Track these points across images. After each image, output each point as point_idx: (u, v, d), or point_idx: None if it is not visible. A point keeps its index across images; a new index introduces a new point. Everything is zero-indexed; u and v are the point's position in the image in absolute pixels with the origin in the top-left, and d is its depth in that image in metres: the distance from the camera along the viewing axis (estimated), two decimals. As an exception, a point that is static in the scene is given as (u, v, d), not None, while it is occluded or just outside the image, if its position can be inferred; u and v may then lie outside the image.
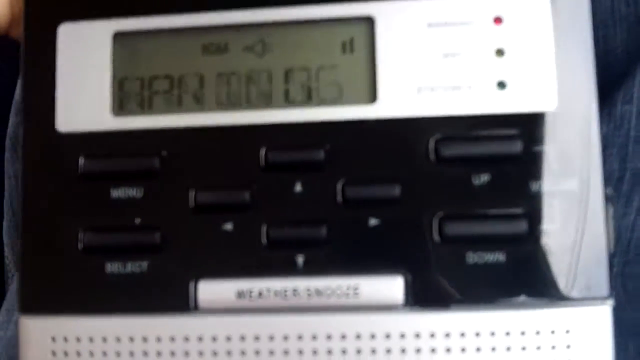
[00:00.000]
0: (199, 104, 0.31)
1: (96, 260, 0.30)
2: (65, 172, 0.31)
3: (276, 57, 0.30)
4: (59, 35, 0.31)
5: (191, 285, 0.29)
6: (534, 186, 0.28)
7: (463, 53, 0.29)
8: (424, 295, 0.28)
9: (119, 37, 0.31)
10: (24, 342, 0.30)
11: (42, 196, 0.31)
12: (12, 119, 0.46)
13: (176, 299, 0.29)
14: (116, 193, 0.30)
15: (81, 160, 0.30)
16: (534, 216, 0.28)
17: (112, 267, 0.30)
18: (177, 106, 0.31)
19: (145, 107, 0.31)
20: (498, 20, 0.29)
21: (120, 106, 0.31)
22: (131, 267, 0.30)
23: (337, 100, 0.30)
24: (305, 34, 0.30)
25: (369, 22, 0.30)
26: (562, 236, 0.28)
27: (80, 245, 0.30)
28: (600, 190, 0.28)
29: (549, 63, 0.29)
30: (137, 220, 0.30)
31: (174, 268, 0.30)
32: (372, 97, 0.30)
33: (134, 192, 0.30)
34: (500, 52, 0.29)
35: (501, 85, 0.29)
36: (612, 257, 0.28)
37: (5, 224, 0.47)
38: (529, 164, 0.28)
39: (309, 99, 0.30)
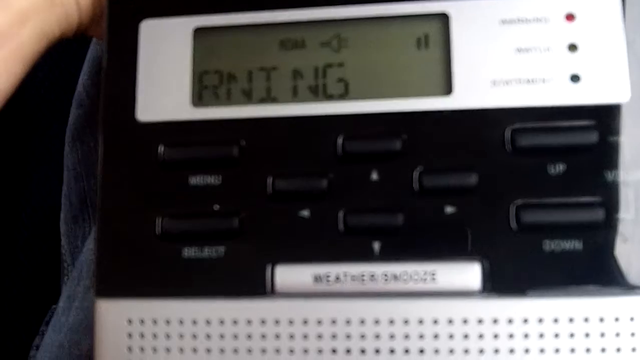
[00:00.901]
0: (277, 96, 0.31)
1: (173, 245, 0.30)
2: (144, 159, 0.31)
3: (352, 51, 0.31)
4: (141, 31, 0.33)
5: (268, 269, 0.30)
6: (609, 176, 0.29)
7: (536, 48, 0.30)
8: (501, 282, 0.29)
9: (200, 33, 0.32)
10: (100, 325, 0.30)
11: (121, 183, 0.31)
12: (74, 112, 0.47)
13: (253, 283, 0.30)
14: (195, 180, 0.31)
15: (160, 148, 0.31)
16: (610, 205, 0.29)
17: (189, 252, 0.30)
18: (255, 98, 0.32)
19: (224, 98, 0.32)
20: (570, 17, 0.30)
21: (199, 97, 0.32)
22: (208, 251, 0.30)
23: (413, 92, 0.31)
24: (381, 29, 0.31)
25: (443, 19, 0.31)
26: (637, 225, 0.28)
27: (158, 231, 0.31)
28: None
29: (620, 56, 0.30)
30: (215, 207, 0.31)
31: (251, 253, 0.30)
32: (448, 89, 0.30)
33: (212, 180, 0.31)
34: (573, 47, 0.30)
35: (575, 78, 0.30)
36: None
37: (62, 214, 0.48)
38: (603, 154, 0.29)
39: (385, 91, 0.31)
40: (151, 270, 0.31)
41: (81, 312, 0.41)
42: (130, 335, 0.30)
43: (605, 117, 0.29)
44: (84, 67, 0.47)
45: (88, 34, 0.36)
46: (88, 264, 0.41)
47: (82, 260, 0.42)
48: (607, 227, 0.29)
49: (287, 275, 0.30)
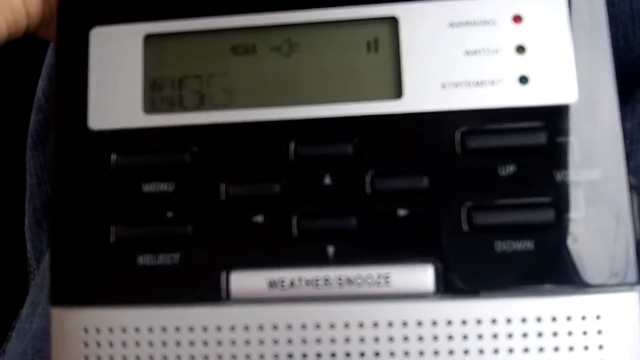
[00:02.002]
0: (229, 102, 0.31)
1: (128, 252, 0.30)
2: (97, 168, 0.31)
3: (303, 56, 0.32)
4: (92, 38, 0.33)
5: (223, 275, 0.30)
6: (558, 176, 0.29)
7: (484, 51, 0.30)
8: (454, 284, 0.29)
9: (150, 39, 0.32)
10: (56, 334, 0.30)
11: (74, 191, 0.31)
12: (34, 117, 0.47)
13: (208, 290, 0.30)
14: (148, 187, 0.31)
15: (113, 156, 0.31)
16: (560, 205, 0.29)
17: (143, 259, 0.30)
18: (207, 104, 0.32)
19: (176, 105, 0.32)
20: (517, 18, 0.30)
21: (151, 104, 0.32)
22: (163, 259, 0.30)
23: (364, 96, 0.31)
24: (331, 33, 0.32)
25: (393, 22, 0.31)
26: (588, 224, 0.29)
27: (112, 239, 0.31)
28: (624, 179, 0.29)
29: (568, 57, 0.30)
30: (169, 214, 0.31)
31: (205, 259, 0.30)
32: (398, 92, 0.31)
33: (165, 187, 0.31)
34: (521, 49, 0.30)
35: (523, 80, 0.30)
36: (639, 245, 0.29)
37: (26, 220, 0.48)
38: (553, 154, 0.29)
39: (335, 95, 0.31)
40: (106, 278, 0.30)
41: (44, 319, 0.41)
42: (86, 344, 0.30)
43: (554, 117, 0.30)
44: (43, 73, 0.47)
45: (38, 36, 0.36)
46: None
47: (46, 266, 0.42)
48: (558, 227, 0.29)
49: (242, 281, 0.30)
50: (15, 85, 0.54)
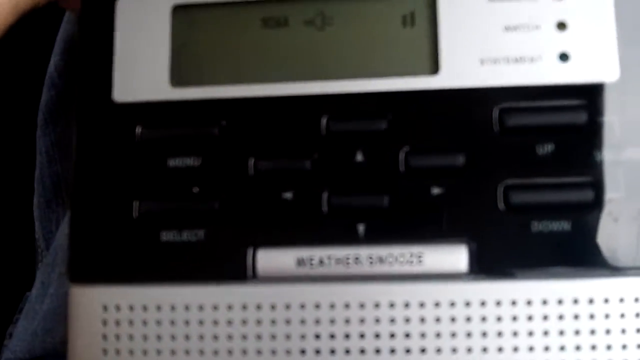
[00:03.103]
0: (259, 76, 0.30)
1: (151, 228, 0.29)
2: (121, 141, 0.30)
3: (336, 30, 0.31)
4: (118, 8, 0.31)
5: (249, 253, 0.29)
6: (598, 156, 0.28)
7: (524, 26, 0.30)
8: (488, 264, 0.28)
9: (179, 11, 0.31)
10: (74, 312, 0.29)
11: (96, 166, 0.30)
12: (45, 93, 0.46)
13: (234, 268, 0.29)
14: (174, 162, 0.30)
15: (138, 129, 0.30)
16: (598, 185, 0.28)
17: (167, 236, 0.29)
18: (236, 77, 0.31)
19: (204, 78, 0.31)
20: (559, -6, 0.30)
21: (178, 77, 0.31)
22: (187, 235, 0.29)
23: (399, 71, 0.30)
24: (366, 7, 0.31)
25: None
26: (627, 205, 0.28)
27: (135, 214, 0.30)
28: None
29: (609, 35, 0.29)
30: (195, 189, 0.30)
31: (231, 236, 0.29)
32: (435, 68, 0.30)
33: (191, 161, 0.30)
34: (562, 26, 0.29)
35: (563, 57, 0.29)
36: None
37: (35, 199, 0.47)
38: (592, 133, 0.29)
39: (370, 70, 0.30)
40: (128, 254, 0.29)
41: (55, 300, 0.40)
42: (105, 323, 0.29)
43: (594, 96, 0.29)
44: (56, 47, 0.46)
45: (60, 4, 0.35)
46: (63, 250, 0.40)
47: (57, 246, 0.41)
48: (596, 207, 0.28)
49: (269, 259, 0.29)
50: (25, 60, 0.53)
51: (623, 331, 0.27)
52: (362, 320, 0.28)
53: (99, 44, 0.31)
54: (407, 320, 0.28)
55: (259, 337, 0.28)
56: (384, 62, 0.30)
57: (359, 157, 0.29)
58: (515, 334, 0.28)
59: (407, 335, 0.28)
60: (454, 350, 0.28)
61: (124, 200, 0.30)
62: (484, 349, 0.28)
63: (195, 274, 0.29)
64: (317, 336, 0.28)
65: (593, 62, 0.29)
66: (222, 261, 0.29)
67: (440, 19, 0.30)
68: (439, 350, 0.28)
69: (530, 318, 0.28)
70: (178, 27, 0.31)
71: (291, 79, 0.30)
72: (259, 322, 0.28)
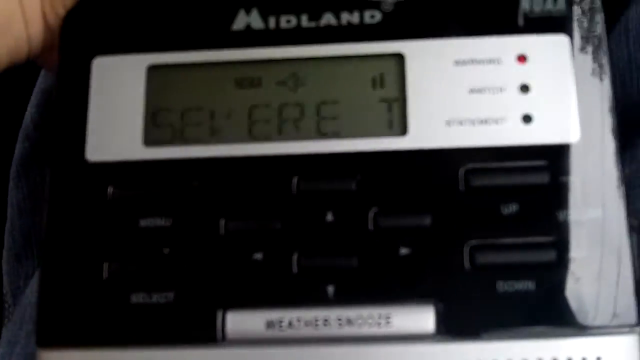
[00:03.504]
0: (231, 136, 0.31)
1: (121, 290, 0.29)
2: (93, 200, 0.30)
3: (309, 90, 0.31)
4: (94, 67, 0.32)
5: (219, 315, 0.29)
6: (561, 215, 0.29)
7: (489, 89, 0.30)
8: (455, 325, 0.28)
9: (153, 71, 0.32)
10: (42, 376, 0.29)
11: (67, 224, 0.30)
12: (19, 146, 0.45)
13: (203, 330, 0.29)
14: (145, 222, 0.30)
15: (110, 189, 0.30)
16: (562, 245, 0.29)
17: (137, 298, 0.29)
18: (209, 137, 0.31)
19: (177, 138, 0.31)
20: (522, 58, 0.30)
21: (151, 137, 0.31)
22: (157, 297, 0.29)
23: (368, 132, 0.30)
24: (337, 69, 0.31)
25: (399, 59, 0.31)
26: (589, 264, 0.28)
27: (104, 275, 0.30)
28: (624, 220, 0.29)
29: (570, 97, 0.30)
30: (165, 250, 0.30)
31: (201, 298, 0.29)
32: (403, 129, 0.30)
33: (162, 222, 0.30)
34: (525, 88, 0.30)
35: (527, 118, 0.30)
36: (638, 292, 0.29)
37: (5, 252, 0.46)
38: (555, 193, 0.29)
39: (340, 131, 0.31)
40: (98, 317, 0.29)
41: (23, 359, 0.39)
42: (74, 387, 0.29)
43: (556, 157, 0.29)
44: (32, 99, 0.46)
45: (37, 63, 0.35)
46: (31, 307, 0.40)
47: (25, 303, 0.41)
48: (559, 267, 0.28)
49: (238, 321, 0.29)
50: (0, 111, 0.53)
51: (588, 390, 0.28)
52: (331, 382, 0.28)
53: (74, 102, 0.32)
54: (376, 381, 0.28)
55: (229, 399, 0.28)
56: (354, 123, 0.31)
57: (329, 217, 0.30)
58: (482, 394, 0.28)
59: (377, 397, 0.28)
60: (423, 411, 0.28)
61: (94, 261, 0.30)
62: (452, 410, 0.28)
63: (165, 337, 0.29)
64: (288, 398, 0.28)
65: (555, 123, 0.30)
66: (192, 324, 0.29)
67: (409, 81, 0.31)
68: (408, 411, 0.28)
69: (496, 378, 0.28)
70: (153, 87, 0.32)
71: (263, 139, 0.31)
72: (228, 384, 0.28)
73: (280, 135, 0.31)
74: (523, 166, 0.30)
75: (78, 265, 0.30)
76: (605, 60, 0.30)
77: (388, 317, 0.28)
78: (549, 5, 0.31)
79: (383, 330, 0.28)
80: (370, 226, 0.29)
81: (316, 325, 0.28)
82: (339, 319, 0.29)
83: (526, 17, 0.31)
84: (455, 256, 0.29)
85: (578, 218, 0.29)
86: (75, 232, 0.30)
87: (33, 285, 0.41)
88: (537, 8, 0.31)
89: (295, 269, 0.29)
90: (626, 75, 0.37)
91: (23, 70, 0.37)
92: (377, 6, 0.31)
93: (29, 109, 0.46)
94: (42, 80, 0.47)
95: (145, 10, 0.32)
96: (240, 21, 0.32)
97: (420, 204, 0.29)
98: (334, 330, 0.28)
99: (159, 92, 0.31)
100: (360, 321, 0.28)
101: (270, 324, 0.29)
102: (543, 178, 0.29)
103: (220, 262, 0.29)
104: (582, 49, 0.30)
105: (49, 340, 0.29)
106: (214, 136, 0.31)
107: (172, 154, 0.31)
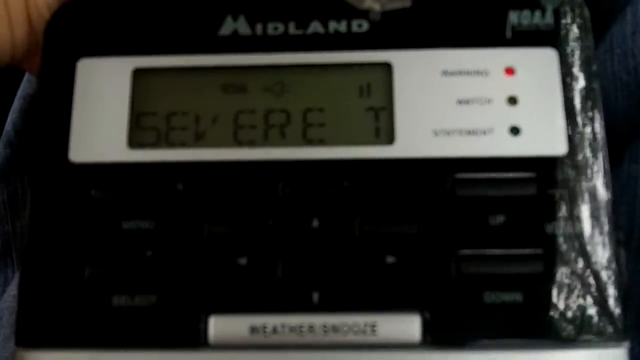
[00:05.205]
0: (216, 140, 0.31)
1: (103, 292, 0.29)
2: (76, 202, 0.30)
3: (295, 97, 0.31)
4: (78, 69, 0.32)
5: (202, 319, 0.28)
6: (548, 228, 0.29)
7: (477, 100, 0.31)
8: (441, 334, 0.28)
9: (139, 74, 0.32)
10: (19, 378, 0.29)
11: (50, 225, 0.30)
12: (1, 151, 0.45)
13: (186, 334, 0.28)
14: (128, 225, 0.30)
15: (93, 191, 0.30)
16: (549, 257, 0.29)
17: (119, 300, 0.29)
18: (194, 141, 0.31)
19: (162, 141, 0.31)
20: (510, 70, 0.31)
21: (136, 139, 0.31)
22: (139, 300, 0.29)
23: (355, 140, 0.30)
24: (324, 76, 0.31)
25: (386, 68, 0.31)
26: (576, 277, 0.29)
27: (86, 276, 0.29)
28: (612, 233, 0.29)
29: (558, 110, 0.30)
30: (148, 253, 0.29)
31: (184, 302, 0.29)
32: (390, 138, 0.30)
33: (146, 224, 0.30)
34: (513, 100, 0.30)
35: (514, 130, 0.30)
36: (627, 305, 0.29)
37: None
38: (542, 205, 0.29)
39: (326, 138, 0.30)
40: (78, 318, 0.29)
41: None
42: (52, 390, 0.28)
43: (544, 169, 0.30)
44: (14, 105, 0.45)
45: (20, 67, 0.35)
46: (10, 311, 0.39)
47: (3, 308, 0.40)
48: (547, 279, 0.29)
49: (222, 326, 0.28)
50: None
51: (573, 402, 0.28)
52: (315, 390, 0.28)
53: (57, 103, 0.31)
54: (360, 390, 0.28)
55: (209, 406, 0.28)
56: (341, 130, 0.31)
57: (315, 223, 0.29)
58: (467, 404, 0.28)
59: (360, 406, 0.28)
60: (407, 420, 0.28)
61: (76, 262, 0.29)
62: (437, 419, 0.28)
63: (147, 340, 0.28)
64: (269, 406, 0.28)
65: (542, 135, 0.30)
66: (174, 327, 0.28)
67: (396, 91, 0.31)
68: (391, 421, 0.28)
69: (481, 389, 0.28)
70: (138, 90, 0.31)
71: (249, 145, 0.31)
72: (210, 390, 0.28)
73: (266, 141, 0.31)
74: (510, 177, 0.30)
75: (60, 265, 0.29)
76: (593, 74, 0.31)
77: (374, 325, 0.28)
78: (537, 19, 0.31)
79: (368, 338, 0.28)
80: (356, 233, 0.29)
81: (301, 331, 0.28)
82: (324, 326, 0.28)
83: (514, 30, 0.31)
84: (442, 265, 0.29)
85: (565, 231, 0.29)
86: (57, 232, 0.30)
87: (11, 291, 0.41)
88: (525, 22, 0.31)
89: (280, 274, 0.29)
90: (610, 94, 0.37)
91: (5, 76, 0.37)
92: (364, 15, 0.31)
93: (10, 115, 0.46)
94: (24, 87, 0.46)
95: (132, 13, 0.32)
96: (228, 27, 0.32)
97: (406, 213, 0.29)
98: (318, 337, 0.28)
99: (144, 95, 0.31)
100: (345, 329, 0.28)
101: (254, 330, 0.28)
102: (530, 190, 0.29)
103: (203, 266, 0.29)
104: (570, 62, 0.31)
105: (29, 340, 0.29)
106: (199, 140, 0.31)
107: (156, 157, 0.30)
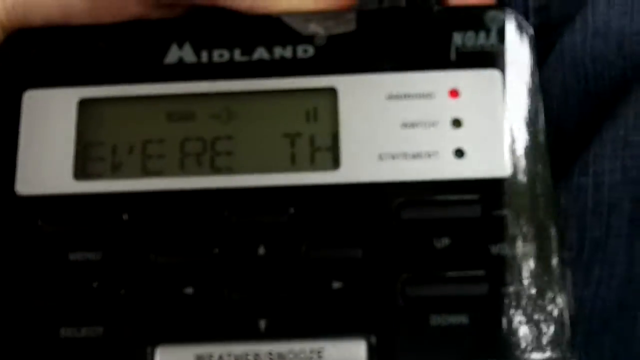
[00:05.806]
0: (162, 169, 0.31)
1: (50, 323, 0.29)
2: (22, 234, 0.30)
3: (241, 124, 0.31)
4: (25, 100, 0.32)
5: (148, 350, 0.28)
6: (493, 249, 0.29)
7: (421, 123, 0.31)
8: (387, 359, 0.28)
9: (85, 104, 0.32)
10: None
11: None
12: None
13: None
14: (74, 256, 0.30)
15: (40, 223, 0.30)
16: (494, 278, 0.29)
17: (66, 332, 0.29)
18: (140, 171, 0.31)
19: (108, 171, 0.31)
20: (454, 93, 0.31)
21: (82, 170, 0.31)
22: (86, 331, 0.29)
23: (301, 166, 0.30)
24: (271, 102, 0.31)
25: (332, 93, 0.31)
26: (523, 298, 0.29)
27: (33, 308, 0.29)
28: (558, 253, 0.29)
29: (502, 132, 0.30)
30: (95, 284, 0.29)
31: (131, 333, 0.29)
32: (336, 163, 0.30)
33: (92, 256, 0.30)
34: (457, 123, 0.30)
35: (459, 153, 0.30)
36: (574, 324, 0.29)
37: None
38: (487, 227, 0.29)
39: (272, 164, 0.31)
40: (26, 350, 0.29)
41: None
42: None
43: (488, 191, 0.30)
44: None
45: None
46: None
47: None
48: (492, 301, 0.29)
49: (168, 356, 0.28)
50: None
51: None
52: (261, 419, 0.28)
53: (3, 135, 0.31)
54: (307, 418, 0.28)
55: None
56: (287, 156, 0.31)
57: (261, 250, 0.29)
58: None
59: None
60: None
61: (23, 294, 0.29)
62: None
63: None
64: None
65: (487, 158, 0.30)
66: (121, 359, 0.29)
67: (341, 116, 0.31)
68: None
69: (428, 414, 0.28)
70: (84, 120, 0.31)
71: (194, 173, 0.31)
72: (156, 422, 0.28)
73: (212, 168, 0.31)
74: (455, 200, 0.30)
75: (6, 297, 0.29)
76: (537, 95, 0.31)
77: (319, 352, 0.28)
78: (481, 40, 0.31)
79: (315, 365, 0.28)
80: (303, 260, 0.29)
81: (247, 360, 0.28)
82: (270, 354, 0.28)
83: (458, 52, 0.31)
84: (387, 290, 0.29)
85: (511, 252, 0.29)
86: (3, 264, 0.30)
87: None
88: (470, 43, 0.31)
89: (226, 303, 0.29)
90: (561, 101, 0.37)
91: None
92: (309, 41, 0.32)
93: None
94: None
95: (77, 43, 0.32)
96: (173, 55, 0.32)
97: (352, 238, 0.29)
98: (264, 365, 0.28)
99: (90, 125, 0.31)
100: (291, 356, 0.28)
101: (200, 359, 0.28)
102: (475, 212, 0.29)
103: (150, 296, 0.29)
104: (514, 83, 0.31)
105: None
106: (145, 170, 0.31)
107: (102, 188, 0.30)
